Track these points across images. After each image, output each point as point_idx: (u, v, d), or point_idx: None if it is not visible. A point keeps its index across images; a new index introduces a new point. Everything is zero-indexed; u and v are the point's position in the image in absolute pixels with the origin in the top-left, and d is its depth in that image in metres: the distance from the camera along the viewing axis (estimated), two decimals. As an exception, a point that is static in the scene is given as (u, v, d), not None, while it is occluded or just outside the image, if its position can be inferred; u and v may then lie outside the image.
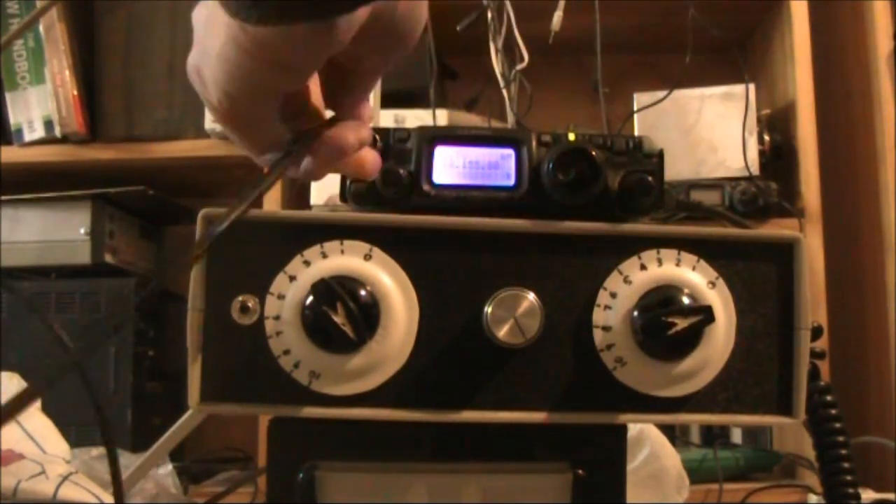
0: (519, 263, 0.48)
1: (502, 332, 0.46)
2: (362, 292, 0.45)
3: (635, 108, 1.42)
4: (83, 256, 1.41)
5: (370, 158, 0.47)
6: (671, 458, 0.89)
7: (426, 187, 0.49)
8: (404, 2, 0.41)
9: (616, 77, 1.50)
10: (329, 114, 0.46)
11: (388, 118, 1.32)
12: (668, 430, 1.18)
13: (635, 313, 0.47)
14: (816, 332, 0.50)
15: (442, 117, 1.36)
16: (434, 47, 1.38)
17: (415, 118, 1.33)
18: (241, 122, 0.42)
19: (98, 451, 0.98)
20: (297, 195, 1.44)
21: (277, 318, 0.46)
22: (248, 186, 0.41)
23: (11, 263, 1.38)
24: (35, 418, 0.78)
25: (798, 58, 1.39)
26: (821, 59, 1.41)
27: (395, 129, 0.50)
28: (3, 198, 1.43)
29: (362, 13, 0.38)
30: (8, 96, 1.49)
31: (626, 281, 0.48)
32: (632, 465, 0.85)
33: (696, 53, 1.36)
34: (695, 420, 0.51)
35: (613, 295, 0.48)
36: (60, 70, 1.48)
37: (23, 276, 1.41)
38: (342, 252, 0.46)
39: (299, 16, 0.36)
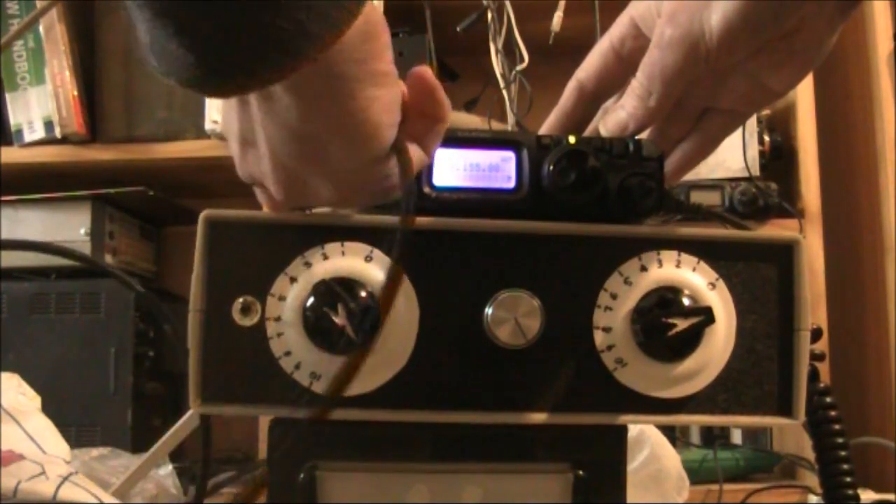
0: (519, 265, 0.48)
1: (503, 333, 0.46)
2: (363, 294, 0.45)
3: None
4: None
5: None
6: (671, 458, 0.89)
7: (427, 189, 0.49)
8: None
9: (616, 77, 1.50)
10: None
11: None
12: (669, 431, 1.18)
13: (635, 314, 0.47)
14: (816, 334, 0.50)
15: (442, 118, 1.36)
16: (434, 47, 1.38)
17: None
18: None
19: (98, 451, 0.98)
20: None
21: (278, 319, 0.46)
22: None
23: (11, 263, 1.38)
24: (35, 418, 0.78)
25: (798, 58, 1.39)
26: (820, 60, 1.41)
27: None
28: (3, 198, 1.43)
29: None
30: (8, 97, 1.49)
31: (627, 282, 0.48)
32: (632, 466, 0.85)
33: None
34: (695, 421, 0.51)
35: (614, 296, 0.48)
36: (60, 70, 1.48)
37: (23, 277, 1.42)
38: (343, 253, 0.47)
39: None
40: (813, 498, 1.22)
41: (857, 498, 0.57)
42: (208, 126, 1.45)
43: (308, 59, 0.33)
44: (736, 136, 1.37)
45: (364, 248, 0.47)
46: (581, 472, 0.49)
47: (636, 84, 0.53)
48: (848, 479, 0.56)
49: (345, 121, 0.39)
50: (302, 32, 0.31)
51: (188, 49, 0.29)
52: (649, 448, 0.87)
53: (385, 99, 0.40)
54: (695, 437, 1.46)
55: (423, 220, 0.48)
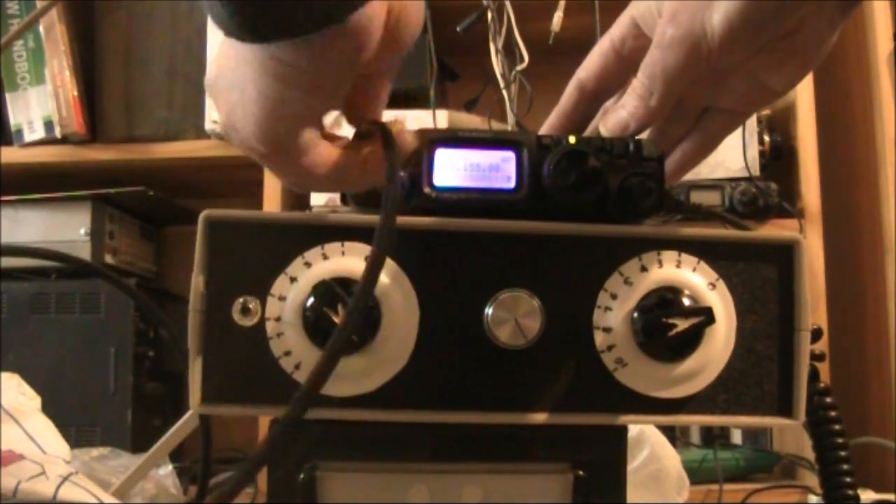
0: (519, 265, 0.48)
1: (503, 334, 0.46)
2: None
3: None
4: (83, 257, 1.41)
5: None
6: (671, 458, 0.89)
7: (427, 190, 0.49)
8: (404, 2, 0.41)
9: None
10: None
11: (388, 119, 1.32)
12: (669, 431, 1.18)
13: (636, 314, 0.47)
14: (816, 335, 0.50)
15: (442, 118, 1.36)
16: (434, 48, 1.38)
17: (414, 119, 1.33)
18: (290, 157, 0.43)
19: (98, 451, 0.98)
20: (297, 196, 1.44)
21: (278, 319, 0.46)
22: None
23: (12, 264, 1.38)
24: (35, 418, 0.78)
25: (798, 58, 1.39)
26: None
27: (396, 131, 0.50)
28: (3, 198, 1.44)
29: (378, 19, 0.38)
30: (8, 97, 1.50)
31: (627, 282, 0.48)
32: (632, 466, 0.85)
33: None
34: (695, 421, 0.51)
35: (614, 296, 0.48)
36: (60, 70, 1.48)
37: (23, 277, 1.42)
38: (343, 253, 0.47)
39: (306, 26, 0.36)
40: (813, 498, 1.22)
41: (857, 498, 0.57)
42: (208, 126, 1.45)
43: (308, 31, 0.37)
44: (736, 136, 1.37)
45: (364, 248, 0.47)
46: (581, 472, 0.49)
47: (637, 84, 0.53)
48: (848, 479, 0.56)
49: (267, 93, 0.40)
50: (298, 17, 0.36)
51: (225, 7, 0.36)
52: (649, 448, 0.87)
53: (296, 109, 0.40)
54: (695, 437, 1.47)
55: (423, 221, 0.48)
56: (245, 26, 0.36)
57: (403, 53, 0.43)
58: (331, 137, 0.45)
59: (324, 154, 0.43)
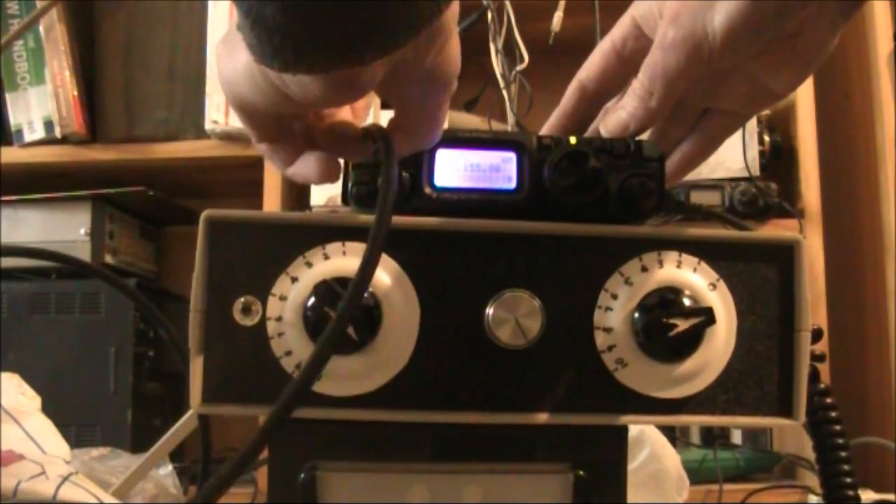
0: (520, 265, 0.48)
1: (503, 334, 0.46)
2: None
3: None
4: (83, 257, 1.41)
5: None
6: (671, 458, 0.89)
7: (427, 190, 0.49)
8: (438, 47, 0.40)
9: (616, 77, 1.50)
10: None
11: (388, 119, 1.32)
12: (669, 431, 1.18)
13: (636, 315, 0.47)
14: (816, 335, 0.50)
15: (442, 118, 1.36)
16: (434, 48, 1.37)
17: (415, 118, 1.33)
18: (247, 117, 0.43)
19: (98, 451, 0.98)
20: (298, 196, 1.44)
21: (279, 319, 0.46)
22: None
23: (12, 264, 1.38)
24: (35, 418, 0.78)
25: (798, 58, 1.39)
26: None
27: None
28: (3, 198, 1.44)
29: (378, 71, 0.38)
30: (8, 97, 1.50)
31: (628, 282, 0.48)
32: (632, 466, 0.85)
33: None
34: (695, 421, 0.51)
35: (614, 296, 0.48)
36: (60, 70, 1.48)
37: (23, 277, 1.42)
38: (344, 253, 0.47)
39: (321, 67, 0.36)
40: (813, 498, 1.22)
41: (857, 498, 0.57)
42: (208, 126, 1.45)
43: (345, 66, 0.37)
44: (736, 136, 1.36)
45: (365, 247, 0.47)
46: (581, 472, 0.49)
47: (637, 84, 0.53)
48: (848, 480, 0.56)
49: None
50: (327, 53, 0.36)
51: (258, 39, 0.36)
52: (649, 448, 0.87)
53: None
54: (695, 437, 1.47)
55: (424, 221, 0.48)
56: (273, 59, 0.36)
57: (445, 90, 0.43)
58: (314, 125, 0.45)
59: (277, 128, 0.44)
